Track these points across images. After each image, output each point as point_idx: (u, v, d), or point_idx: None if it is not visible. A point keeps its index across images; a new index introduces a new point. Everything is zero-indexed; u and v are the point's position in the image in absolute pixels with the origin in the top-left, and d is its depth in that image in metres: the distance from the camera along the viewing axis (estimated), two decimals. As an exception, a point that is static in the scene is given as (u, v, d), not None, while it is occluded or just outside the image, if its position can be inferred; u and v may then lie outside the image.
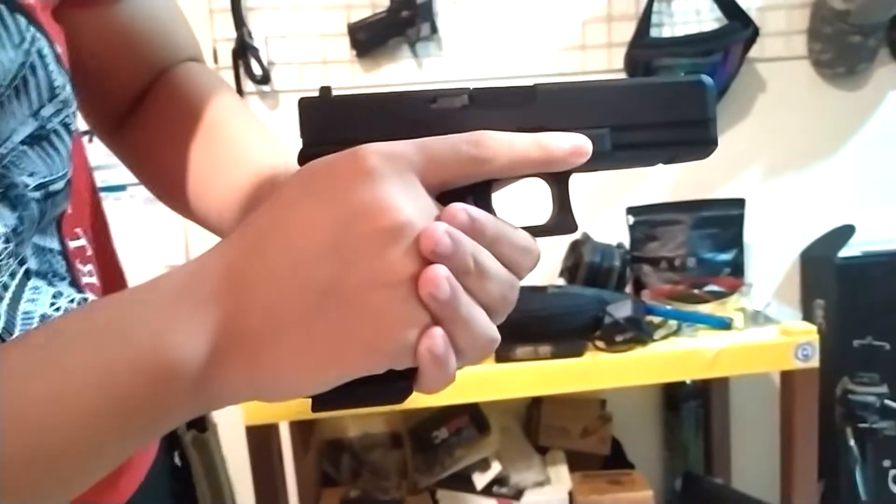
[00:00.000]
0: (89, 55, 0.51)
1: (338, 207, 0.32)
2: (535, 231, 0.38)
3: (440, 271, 0.32)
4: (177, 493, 0.57)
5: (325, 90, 0.38)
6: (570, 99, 0.38)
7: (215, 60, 1.62)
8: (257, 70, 1.61)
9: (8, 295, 0.38)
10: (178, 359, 0.31)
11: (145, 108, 0.55)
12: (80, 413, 0.30)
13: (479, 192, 0.37)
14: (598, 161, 0.38)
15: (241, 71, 1.62)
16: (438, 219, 0.34)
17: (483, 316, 0.34)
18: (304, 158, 0.36)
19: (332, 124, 0.37)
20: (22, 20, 0.37)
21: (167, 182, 0.55)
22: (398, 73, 1.66)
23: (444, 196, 0.35)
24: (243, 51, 1.61)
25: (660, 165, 0.42)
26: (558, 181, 0.39)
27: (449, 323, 0.33)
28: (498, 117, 0.37)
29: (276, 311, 0.32)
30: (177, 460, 0.58)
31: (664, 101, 0.39)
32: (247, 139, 0.52)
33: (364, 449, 1.66)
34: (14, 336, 0.37)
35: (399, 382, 0.34)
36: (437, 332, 0.33)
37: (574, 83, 0.39)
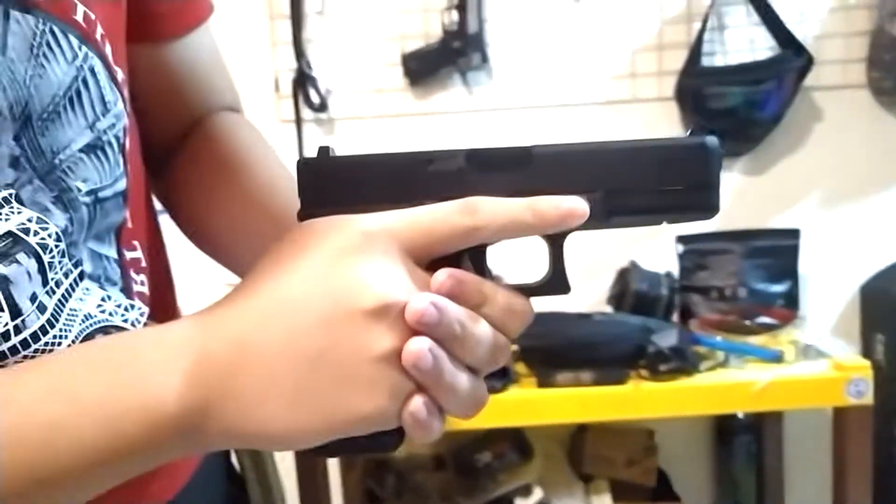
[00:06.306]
0: (137, 93, 0.54)
1: (325, 285, 0.35)
2: (528, 290, 0.38)
3: (422, 344, 0.34)
4: (231, 494, 0.60)
5: (324, 150, 0.39)
6: (567, 161, 0.38)
7: (277, 89, 1.70)
8: (315, 98, 1.68)
9: (60, 291, 0.42)
10: (168, 408, 0.34)
11: (182, 153, 0.57)
12: (77, 442, 0.33)
13: (474, 252, 0.37)
14: (594, 223, 0.38)
15: (301, 99, 1.69)
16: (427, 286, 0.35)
17: (466, 380, 0.36)
18: (302, 220, 0.38)
19: (330, 186, 0.38)
20: (74, 39, 0.41)
21: (200, 229, 0.57)
22: (449, 101, 1.70)
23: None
24: (302, 80, 1.68)
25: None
26: (553, 241, 0.39)
27: (433, 389, 0.35)
28: (494, 179, 0.38)
29: (270, 376, 0.35)
30: (235, 461, 0.61)
31: (664, 164, 0.38)
32: (278, 189, 0.53)
33: (408, 469, 1.68)
34: (56, 328, 0.41)
35: (388, 435, 0.36)
36: (419, 400, 0.35)
37: (572, 144, 0.39)
